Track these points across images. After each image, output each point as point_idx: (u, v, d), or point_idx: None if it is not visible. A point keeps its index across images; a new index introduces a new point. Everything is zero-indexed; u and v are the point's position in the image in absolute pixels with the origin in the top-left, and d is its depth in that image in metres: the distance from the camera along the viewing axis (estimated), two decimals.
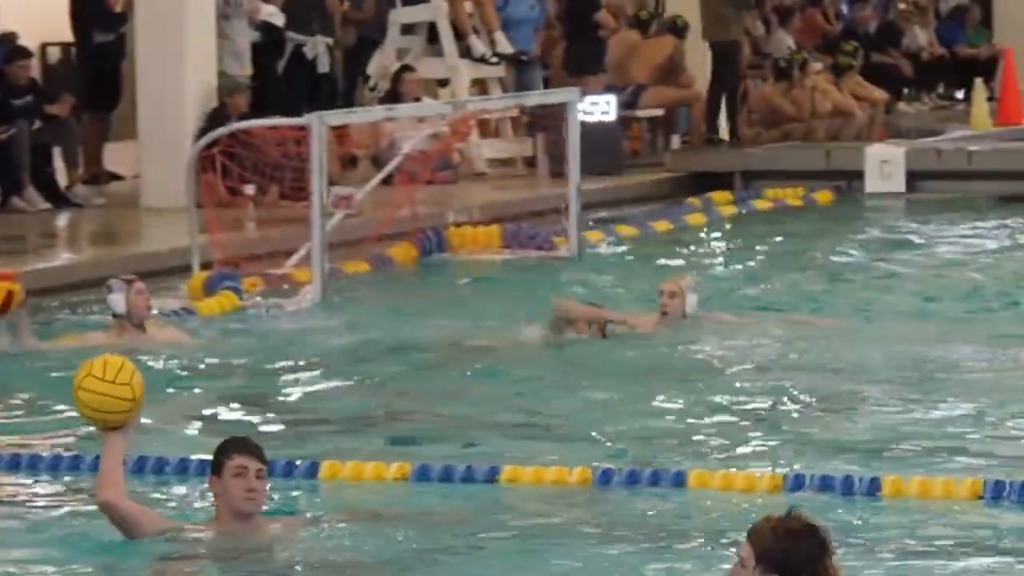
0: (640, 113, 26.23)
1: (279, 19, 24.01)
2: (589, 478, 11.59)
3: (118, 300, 15.12)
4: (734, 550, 8.05)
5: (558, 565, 10.27)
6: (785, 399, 14.30)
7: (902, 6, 34.78)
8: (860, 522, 10.92)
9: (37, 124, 21.79)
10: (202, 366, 15.10)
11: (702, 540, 10.39)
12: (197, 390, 14.54)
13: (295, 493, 11.37)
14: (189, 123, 21.28)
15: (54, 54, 25.95)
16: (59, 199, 21.80)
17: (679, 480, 11.51)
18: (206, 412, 13.87)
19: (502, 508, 11.27)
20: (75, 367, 10.97)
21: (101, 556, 10.26)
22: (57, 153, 22.42)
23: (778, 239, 22.06)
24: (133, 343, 14.94)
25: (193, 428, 13.35)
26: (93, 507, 10.40)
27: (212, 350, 15.53)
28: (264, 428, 13.08)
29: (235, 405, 14.01)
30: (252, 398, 14.19)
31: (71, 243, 20.74)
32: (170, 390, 14.16)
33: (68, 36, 24.27)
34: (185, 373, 14.81)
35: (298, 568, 10.20)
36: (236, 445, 10.30)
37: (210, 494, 10.34)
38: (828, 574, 7.63)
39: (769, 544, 7.60)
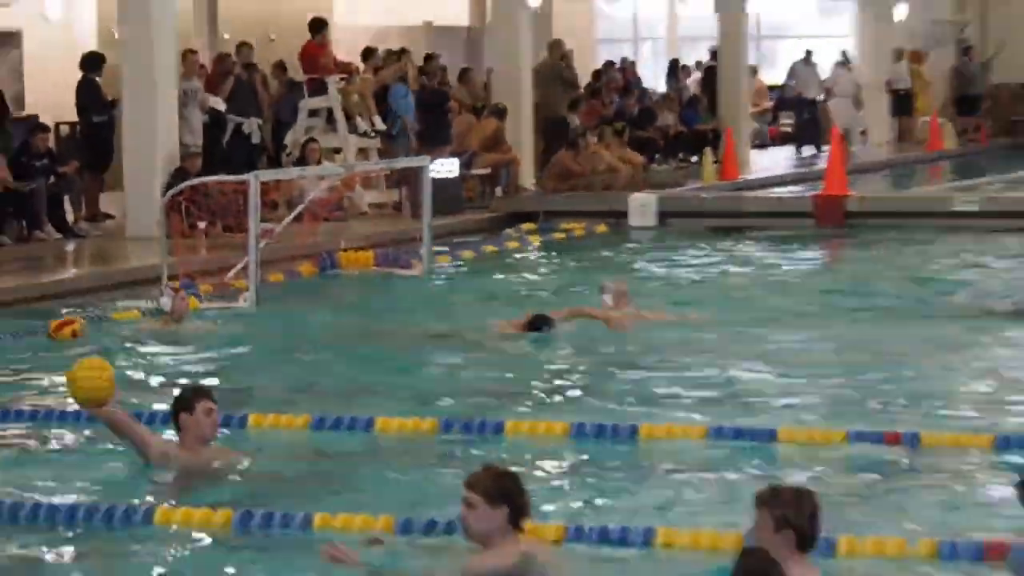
0: (474, 171, 26.14)
1: (222, 106, 24.12)
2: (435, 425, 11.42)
3: (167, 302, 15.51)
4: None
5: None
6: None
7: (655, 97, 34.93)
8: None
9: (52, 179, 21.70)
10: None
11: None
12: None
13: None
14: (160, 179, 21.25)
15: (64, 130, 25.83)
16: (68, 232, 21.81)
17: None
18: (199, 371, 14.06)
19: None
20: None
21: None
22: (66, 200, 22.41)
23: (570, 258, 22.09)
24: (176, 331, 15.50)
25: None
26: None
27: (207, 336, 15.61)
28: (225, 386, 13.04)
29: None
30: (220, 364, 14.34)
31: (77, 263, 20.60)
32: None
33: (74, 117, 24.09)
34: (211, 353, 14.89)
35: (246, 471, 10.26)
36: (203, 391, 10.36)
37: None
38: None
39: (785, 507, 7.36)
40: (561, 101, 29.12)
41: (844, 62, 36.03)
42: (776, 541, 7.33)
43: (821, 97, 37.86)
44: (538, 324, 15.06)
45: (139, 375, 13.75)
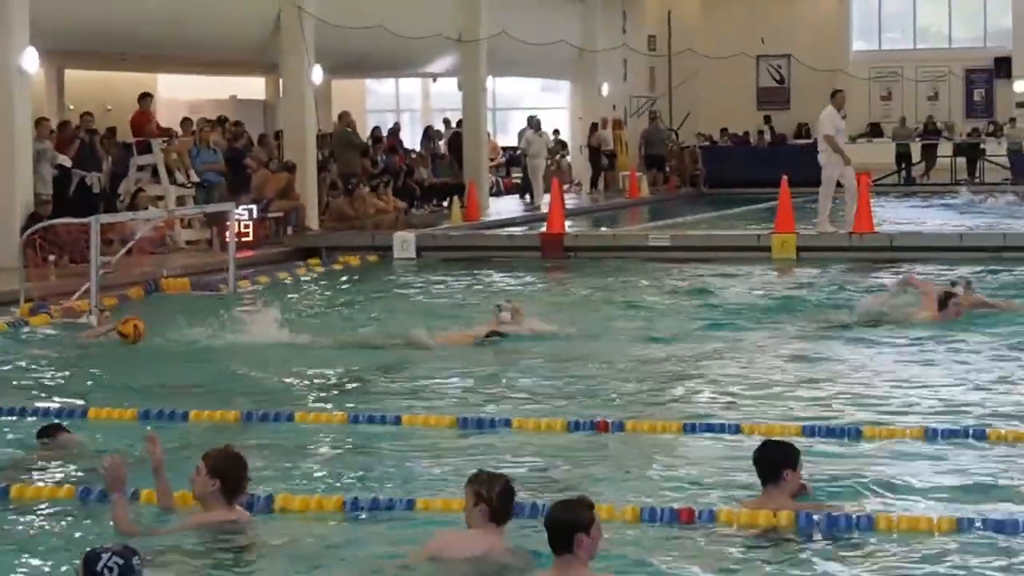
0: (270, 214, 26.01)
1: (69, 163, 23.81)
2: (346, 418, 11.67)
3: (94, 320, 15.68)
4: None
5: None
6: None
7: (414, 155, 35.07)
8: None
9: None
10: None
11: None
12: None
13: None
14: (18, 221, 20.91)
15: None
16: None
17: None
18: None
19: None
20: None
21: None
22: None
23: (347, 283, 22.12)
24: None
25: None
26: None
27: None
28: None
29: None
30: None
31: None
32: None
33: None
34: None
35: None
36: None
37: None
38: None
39: (481, 484, 7.40)
40: (353, 160, 29.18)
41: (535, 128, 36.12)
42: (474, 513, 7.43)
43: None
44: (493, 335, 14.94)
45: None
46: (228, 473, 7.99)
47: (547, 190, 31.67)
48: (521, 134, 39.33)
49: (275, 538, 8.17)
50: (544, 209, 28.66)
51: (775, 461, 8.34)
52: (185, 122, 27.56)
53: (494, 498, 7.40)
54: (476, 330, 15.30)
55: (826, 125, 24.42)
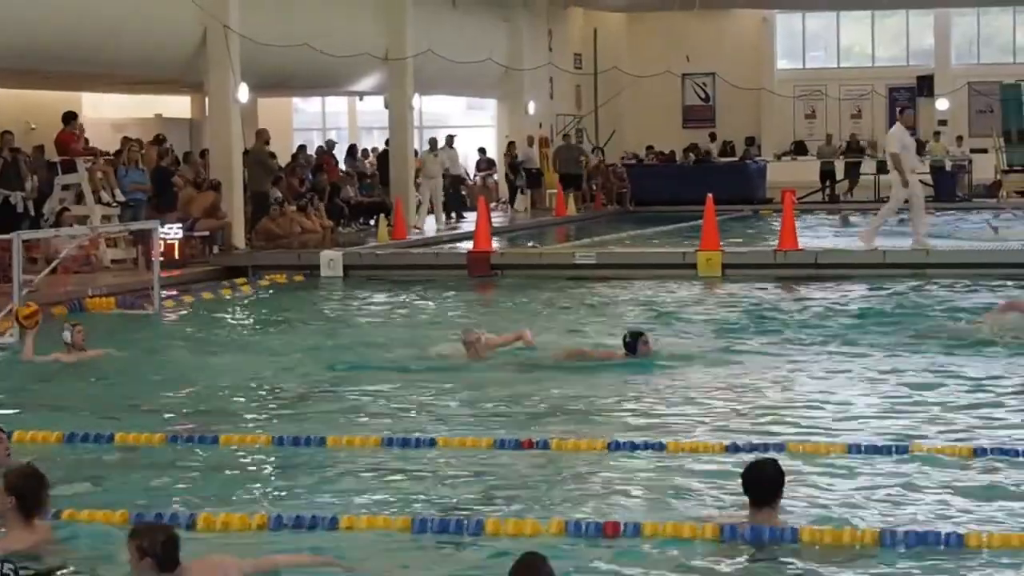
0: (196, 233, 25.85)
1: None
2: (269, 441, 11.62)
3: (67, 335, 14.99)
4: None
5: None
6: None
7: (341, 173, 34.97)
8: None
9: None
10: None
11: None
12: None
13: None
14: None
15: None
16: None
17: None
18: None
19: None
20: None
21: None
22: None
23: (272, 302, 22.00)
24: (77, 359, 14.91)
25: None
26: None
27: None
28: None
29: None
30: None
31: None
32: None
33: None
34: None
35: None
36: None
37: None
38: None
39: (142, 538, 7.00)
40: (263, 179, 29.07)
41: (431, 147, 36.01)
42: (142, 567, 7.05)
43: (464, 174, 38.56)
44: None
45: None
46: (25, 491, 7.94)
47: (473, 208, 31.66)
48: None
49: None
50: (463, 229, 28.51)
51: (775, 480, 8.23)
52: (125, 141, 27.41)
53: (158, 550, 7.07)
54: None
55: (893, 143, 24.34)
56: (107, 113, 33.36)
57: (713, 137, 46.74)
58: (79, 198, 25.02)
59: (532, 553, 6.55)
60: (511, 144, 40.47)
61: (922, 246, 24.12)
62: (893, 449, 10.34)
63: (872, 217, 24.96)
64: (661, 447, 10.59)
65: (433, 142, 36.12)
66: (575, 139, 42.93)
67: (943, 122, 44.48)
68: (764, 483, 8.15)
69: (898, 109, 25.63)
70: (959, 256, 24.14)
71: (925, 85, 47.40)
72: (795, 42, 50.48)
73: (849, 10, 48.96)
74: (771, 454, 10.06)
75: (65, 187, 25.07)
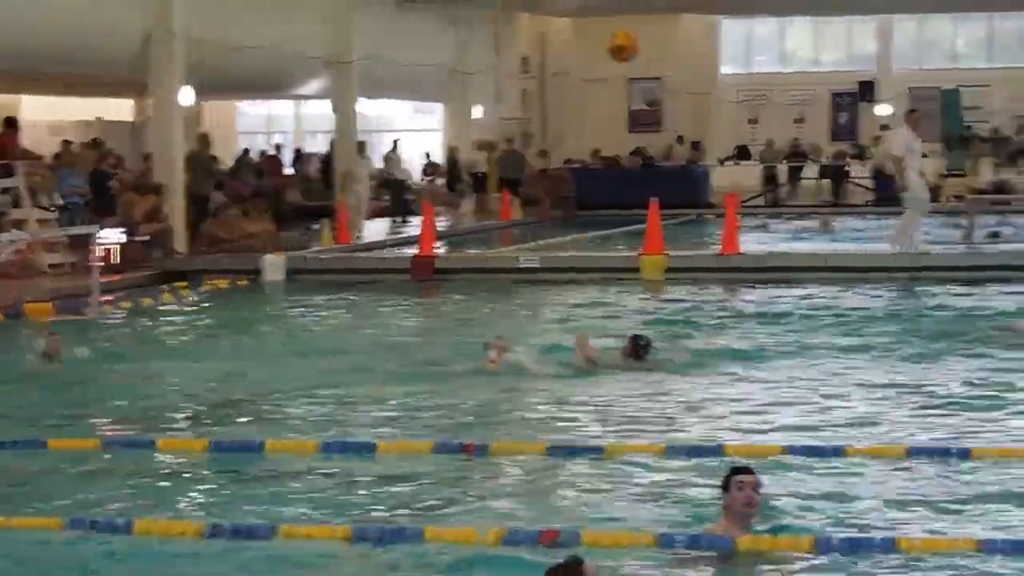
0: (138, 237, 25.67)
1: None
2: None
3: (41, 344, 15.02)
4: None
5: None
6: None
7: (286, 177, 34.87)
8: None
9: None
10: None
11: None
12: None
13: None
14: None
15: None
16: None
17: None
18: None
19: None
20: None
21: None
22: None
23: (214, 307, 21.89)
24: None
25: None
26: None
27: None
28: None
29: None
30: None
31: None
32: None
33: None
34: None
35: None
36: None
37: None
38: None
39: None
40: (204, 182, 28.91)
41: (360, 152, 35.93)
42: None
43: (407, 179, 38.51)
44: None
45: None
46: None
47: (417, 213, 31.57)
48: (386, 158, 39.38)
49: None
50: (408, 233, 28.34)
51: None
52: (64, 144, 27.23)
53: None
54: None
55: (897, 146, 24.29)
56: (46, 116, 33.14)
57: (681, 140, 46.67)
58: (16, 202, 24.81)
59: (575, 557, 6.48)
60: (453, 148, 40.41)
61: (911, 249, 23.96)
62: (829, 451, 10.37)
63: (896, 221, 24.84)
64: (600, 452, 10.54)
65: (362, 146, 35.97)
66: (521, 143, 42.89)
67: (885, 127, 44.66)
68: None
69: (906, 111, 25.55)
70: (889, 260, 24.11)
71: (867, 90, 47.59)
72: (740, 47, 50.61)
73: (794, 15, 49.11)
74: (709, 459, 10.07)
75: (3, 191, 24.83)
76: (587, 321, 18.47)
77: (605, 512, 8.98)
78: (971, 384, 13.27)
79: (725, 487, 8.08)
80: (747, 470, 8.17)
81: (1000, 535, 8.27)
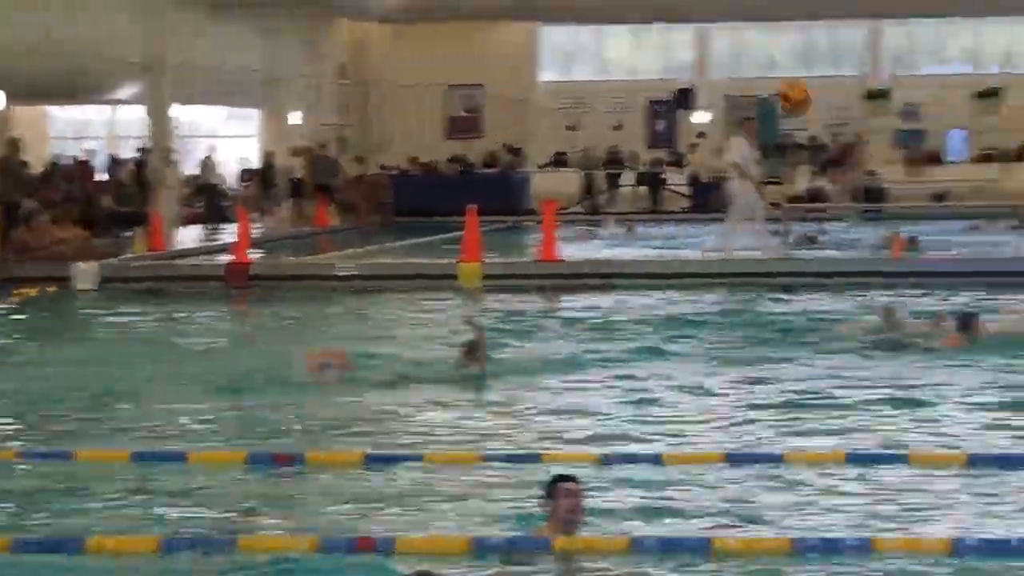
0: None
1: None
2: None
3: None
4: None
5: None
6: None
7: (98, 183, 34.32)
8: None
9: None
10: None
11: None
12: None
13: None
14: None
15: None
16: None
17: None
18: None
19: None
20: None
21: None
22: None
23: (23, 315, 21.53)
24: None
25: None
26: None
27: None
28: None
29: None
30: None
31: None
32: None
33: None
34: None
35: None
36: None
37: None
38: None
39: None
40: (14, 189, 28.28)
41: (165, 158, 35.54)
42: None
43: (222, 185, 38.14)
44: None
45: None
46: None
47: (232, 219, 31.26)
48: (202, 164, 39.01)
49: None
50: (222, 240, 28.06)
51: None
52: None
53: None
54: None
55: (733, 153, 24.46)
56: None
57: (508, 148, 46.53)
58: None
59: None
60: (269, 154, 40.12)
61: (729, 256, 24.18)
62: (646, 458, 10.44)
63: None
64: (419, 459, 10.53)
65: (170, 151, 35.53)
66: (337, 149, 42.70)
67: (702, 134, 45.22)
68: None
69: (741, 119, 25.91)
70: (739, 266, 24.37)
71: (684, 98, 48.14)
72: (559, 54, 50.92)
73: (614, 23, 49.52)
74: (524, 466, 10.10)
75: None
76: (407, 329, 18.42)
77: (421, 519, 8.98)
78: (791, 391, 13.43)
79: (549, 495, 8.06)
80: (570, 477, 8.19)
81: (813, 536, 8.42)
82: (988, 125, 44.22)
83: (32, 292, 23.55)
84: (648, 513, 9.07)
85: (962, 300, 19.72)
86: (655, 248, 30.12)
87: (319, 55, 43.72)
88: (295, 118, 41.60)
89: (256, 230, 33.20)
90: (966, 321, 16.00)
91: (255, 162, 42.47)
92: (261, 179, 40.24)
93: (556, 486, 8.14)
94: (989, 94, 43.06)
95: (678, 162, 45.14)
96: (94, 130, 45.72)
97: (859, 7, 45.75)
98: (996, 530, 8.62)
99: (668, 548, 8.12)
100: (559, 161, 47.44)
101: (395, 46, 48.34)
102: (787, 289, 21.70)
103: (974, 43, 47.46)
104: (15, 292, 23.41)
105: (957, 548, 8.10)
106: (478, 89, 48.82)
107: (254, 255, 26.76)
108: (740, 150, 24.39)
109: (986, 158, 44.97)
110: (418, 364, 14.77)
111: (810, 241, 29.01)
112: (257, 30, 39.60)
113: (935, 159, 45.90)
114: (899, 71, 43.47)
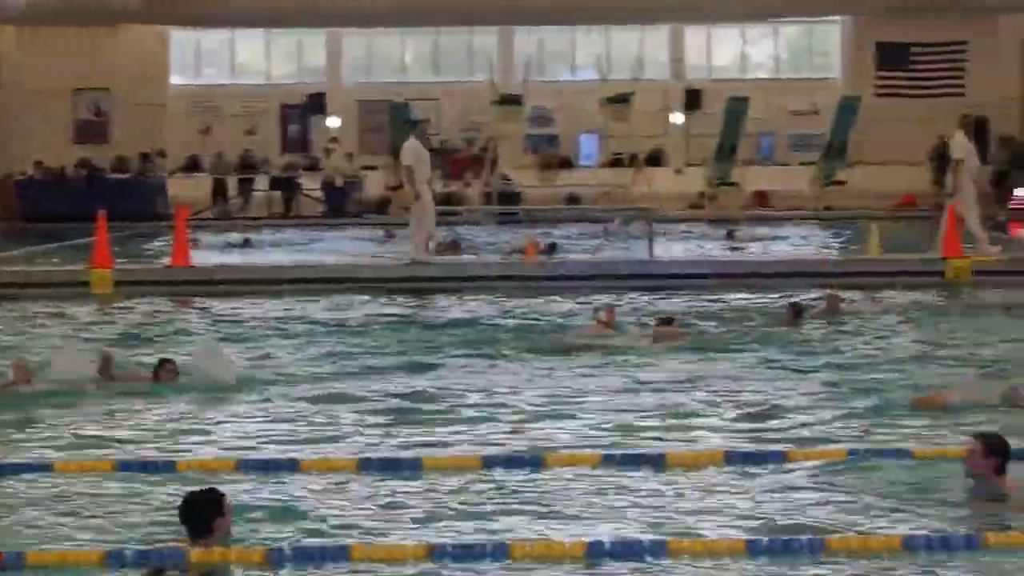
0: None
1: None
2: None
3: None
4: None
5: None
6: None
7: None
8: None
9: None
10: None
11: None
12: None
13: None
14: None
15: None
16: None
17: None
18: None
19: None
20: None
21: None
22: None
23: None
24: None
25: None
26: None
27: None
28: None
29: None
30: None
31: None
32: None
33: None
34: None
35: None
36: None
37: None
38: None
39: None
40: None
41: None
42: None
43: None
44: None
45: None
46: None
47: None
48: None
49: None
50: None
51: (203, 512, 8.13)
52: None
53: None
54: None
55: (407, 156, 24.31)
56: None
57: (151, 154, 45.45)
58: None
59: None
60: None
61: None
62: (282, 465, 10.50)
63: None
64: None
65: None
66: None
67: (335, 139, 45.32)
68: (192, 515, 8.11)
69: (405, 122, 25.97)
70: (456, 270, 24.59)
71: (316, 103, 48.16)
72: (190, 58, 50.39)
73: (245, 27, 49.24)
74: (162, 475, 10.00)
75: None
76: (43, 339, 17.98)
77: (56, 531, 8.83)
78: (476, 394, 13.56)
79: (220, 511, 8.07)
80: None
81: (600, 538, 8.58)
82: (619, 130, 45.35)
83: None
84: (283, 521, 9.07)
85: (606, 300, 19.92)
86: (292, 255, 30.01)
87: None
88: None
89: None
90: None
91: None
92: None
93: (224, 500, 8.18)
94: (619, 99, 44.17)
95: (313, 167, 45.13)
96: None
97: (488, 16, 46.58)
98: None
99: (304, 559, 8.13)
100: (192, 165, 46.95)
101: (22, 49, 47.15)
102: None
103: (605, 50, 48.67)
104: None
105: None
106: (104, 93, 47.99)
107: None
108: (414, 153, 24.61)
109: (617, 162, 46.19)
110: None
111: (453, 246, 29.23)
112: None
113: (567, 163, 46.95)
114: (530, 77, 44.24)
